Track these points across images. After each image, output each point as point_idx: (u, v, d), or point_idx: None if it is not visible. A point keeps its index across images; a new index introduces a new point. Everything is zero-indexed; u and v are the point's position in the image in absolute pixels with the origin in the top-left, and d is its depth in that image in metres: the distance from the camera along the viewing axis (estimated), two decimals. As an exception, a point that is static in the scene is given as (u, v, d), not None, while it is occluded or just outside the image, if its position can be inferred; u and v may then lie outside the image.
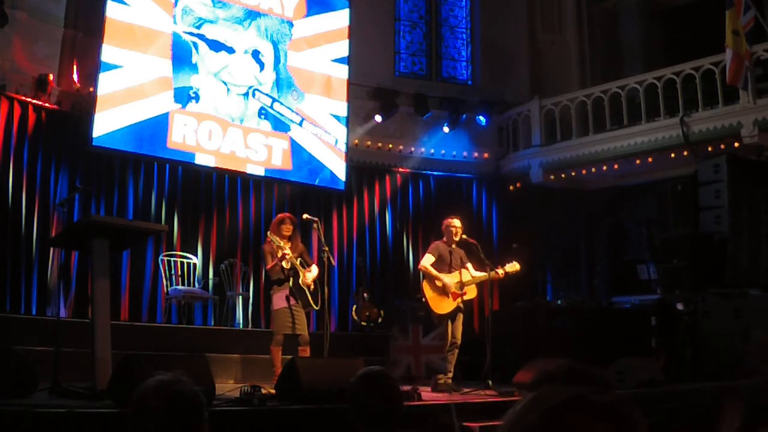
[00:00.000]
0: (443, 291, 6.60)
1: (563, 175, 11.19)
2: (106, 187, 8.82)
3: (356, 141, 10.86)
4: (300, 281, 6.17)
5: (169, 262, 8.58)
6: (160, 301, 8.75)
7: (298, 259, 6.23)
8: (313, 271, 6.33)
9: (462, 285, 6.64)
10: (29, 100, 8.36)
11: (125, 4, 8.59)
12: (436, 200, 11.17)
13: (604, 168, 10.69)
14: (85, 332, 4.88)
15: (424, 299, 6.77)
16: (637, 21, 12.18)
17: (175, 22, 8.97)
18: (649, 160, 10.21)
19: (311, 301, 6.21)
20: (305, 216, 6.69)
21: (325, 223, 9.36)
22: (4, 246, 7.81)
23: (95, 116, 8.23)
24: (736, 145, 9.15)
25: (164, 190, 9.20)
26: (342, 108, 10.21)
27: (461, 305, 6.69)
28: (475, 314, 9.93)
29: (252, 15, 9.64)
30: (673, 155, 9.92)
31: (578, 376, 1.71)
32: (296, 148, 9.72)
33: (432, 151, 11.51)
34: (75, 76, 8.79)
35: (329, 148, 9.99)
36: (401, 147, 11.35)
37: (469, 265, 6.82)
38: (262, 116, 9.52)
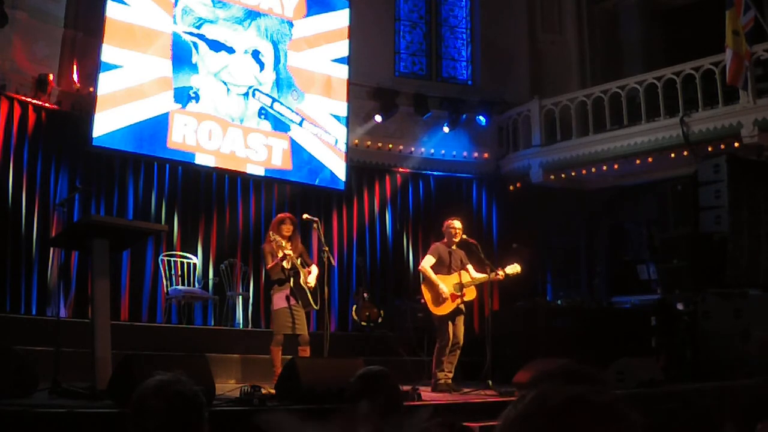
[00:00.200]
0: (441, 294, 6.60)
1: (563, 175, 11.19)
2: (106, 187, 8.82)
3: (356, 141, 10.86)
4: (300, 281, 6.17)
5: (169, 262, 8.58)
6: (160, 301, 8.75)
7: (299, 259, 6.23)
8: (314, 271, 6.34)
9: (461, 286, 6.64)
10: (29, 100, 8.35)
11: (125, 4, 8.59)
12: (436, 200, 11.17)
13: (604, 168, 10.69)
14: (85, 332, 4.88)
15: (423, 300, 6.78)
16: (637, 21, 12.18)
17: (175, 22, 8.97)
18: (649, 160, 10.21)
19: (311, 301, 6.21)
20: (305, 216, 6.69)
21: (325, 223, 9.36)
22: (4, 246, 7.81)
23: (95, 116, 8.23)
24: (736, 145, 9.15)
25: (164, 190, 9.20)
26: (342, 108, 10.21)
27: (462, 307, 6.68)
28: (475, 314, 9.93)
29: (252, 15, 9.64)
30: (673, 155, 9.92)
31: (577, 376, 1.71)
32: (296, 148, 9.72)
33: (432, 151, 11.51)
34: (75, 76, 8.79)
35: (329, 148, 9.99)
36: (401, 147, 11.35)
37: (469, 266, 6.81)
38: (262, 116, 9.52)
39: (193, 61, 9.05)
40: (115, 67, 8.44)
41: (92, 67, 8.53)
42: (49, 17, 8.67)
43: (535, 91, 11.52)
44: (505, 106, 11.69)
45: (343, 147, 10.11)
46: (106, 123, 8.29)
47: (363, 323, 9.37)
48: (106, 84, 8.35)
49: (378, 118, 10.94)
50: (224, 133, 9.15)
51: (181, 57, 8.95)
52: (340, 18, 10.44)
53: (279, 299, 6.17)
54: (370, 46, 11.04)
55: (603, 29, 12.33)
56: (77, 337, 5.47)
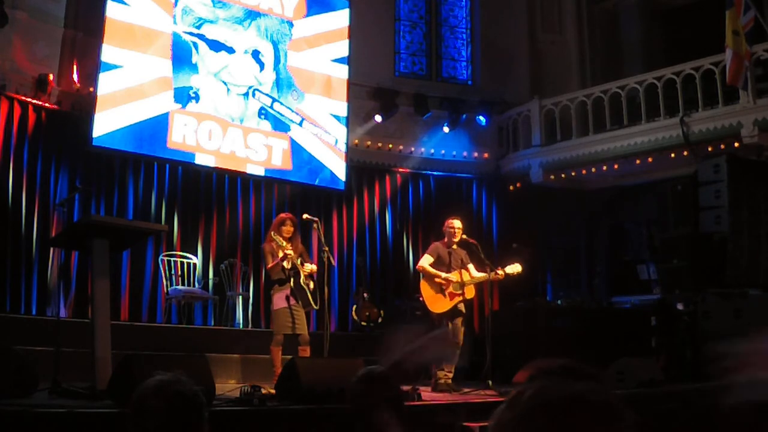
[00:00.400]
0: (440, 290, 6.60)
1: (563, 175, 11.19)
2: (106, 187, 8.82)
3: (356, 141, 10.86)
4: (301, 281, 6.17)
5: (169, 262, 8.58)
6: (160, 301, 8.75)
7: (299, 259, 6.24)
8: (310, 266, 6.34)
9: (461, 285, 6.64)
10: (29, 100, 8.36)
11: (125, 4, 8.59)
12: (436, 200, 11.17)
13: (604, 168, 10.69)
14: (85, 332, 4.88)
15: (421, 299, 6.79)
16: (637, 21, 12.18)
17: (175, 22, 8.97)
18: (649, 160, 10.21)
19: (311, 301, 6.21)
20: (305, 216, 6.69)
21: (325, 223, 9.36)
22: (4, 246, 7.81)
23: (95, 116, 8.23)
24: (736, 145, 9.15)
25: (164, 190, 9.20)
26: (342, 108, 10.21)
27: (461, 307, 6.68)
28: (475, 314, 9.93)
29: (252, 15, 9.64)
30: (673, 155, 9.92)
31: (576, 375, 1.71)
32: (296, 148, 9.72)
33: (432, 151, 11.51)
34: (75, 76, 8.79)
35: (329, 148, 9.99)
36: (401, 147, 11.35)
37: (470, 266, 6.82)
38: (262, 116, 9.52)
39: (193, 61, 9.05)
40: (115, 67, 8.44)
41: (92, 67, 8.53)
42: (49, 17, 8.67)
43: (535, 91, 11.52)
44: (505, 106, 11.69)
45: (343, 147, 10.11)
46: (106, 123, 8.29)
47: (363, 323, 9.37)
48: (106, 84, 8.35)
49: (378, 118, 10.94)
50: (224, 133, 9.15)
51: (181, 57, 8.95)
52: (340, 18, 10.44)
53: (279, 299, 6.18)
54: (370, 46, 11.05)
55: (603, 29, 12.33)
56: (77, 337, 5.47)
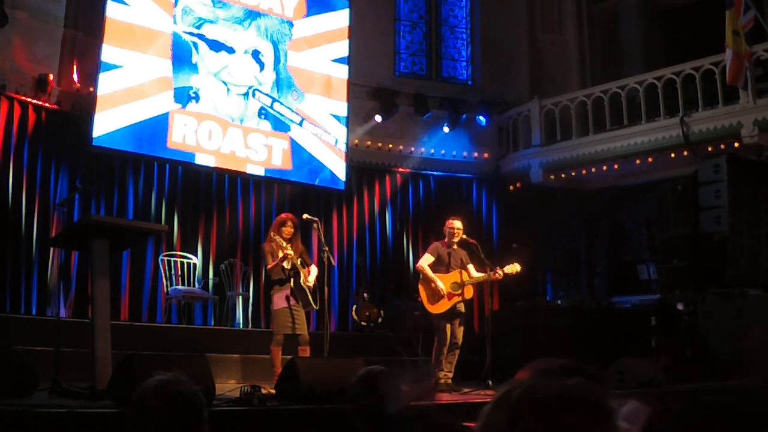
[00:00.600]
0: (437, 291, 6.61)
1: (563, 175, 11.19)
2: (106, 187, 8.82)
3: (356, 141, 10.86)
4: (300, 281, 6.17)
5: (169, 262, 8.58)
6: (160, 301, 8.75)
7: (299, 260, 6.24)
8: (313, 271, 6.35)
9: (459, 285, 6.64)
10: (29, 100, 8.35)
11: (125, 4, 8.59)
12: (436, 200, 11.17)
13: (604, 168, 10.69)
14: (85, 332, 4.88)
15: (419, 299, 6.79)
16: (637, 21, 12.18)
17: (175, 22, 8.97)
18: (649, 160, 10.21)
19: (311, 301, 6.22)
20: (305, 216, 6.70)
21: (325, 223, 9.36)
22: (4, 246, 7.81)
23: (95, 116, 8.23)
24: (736, 145, 9.15)
25: (164, 190, 9.20)
26: (342, 108, 10.21)
27: (461, 307, 6.68)
28: (475, 314, 9.92)
29: (252, 15, 9.64)
30: (673, 155, 9.92)
31: (576, 374, 1.71)
32: (296, 148, 9.72)
33: (432, 151, 11.51)
34: (75, 76, 8.79)
35: (329, 148, 9.99)
36: (401, 147, 11.35)
37: (470, 266, 6.82)
38: (262, 116, 9.52)
39: (193, 61, 9.05)
40: (115, 67, 8.44)
41: (92, 67, 8.53)
42: (49, 17, 8.66)
43: (535, 91, 11.52)
44: (505, 106, 11.69)
45: (343, 147, 10.11)
46: (106, 123, 8.29)
47: (363, 323, 9.37)
48: (106, 84, 8.35)
49: (378, 118, 10.94)
50: (224, 133, 9.15)
51: (181, 57, 8.95)
52: (340, 18, 10.44)
53: (279, 299, 6.18)
54: (370, 46, 11.04)
55: (603, 29, 12.33)
56: (77, 337, 5.47)
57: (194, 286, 8.70)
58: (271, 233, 6.31)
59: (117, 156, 8.73)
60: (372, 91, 11.01)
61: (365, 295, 9.58)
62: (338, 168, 10.05)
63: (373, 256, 10.74)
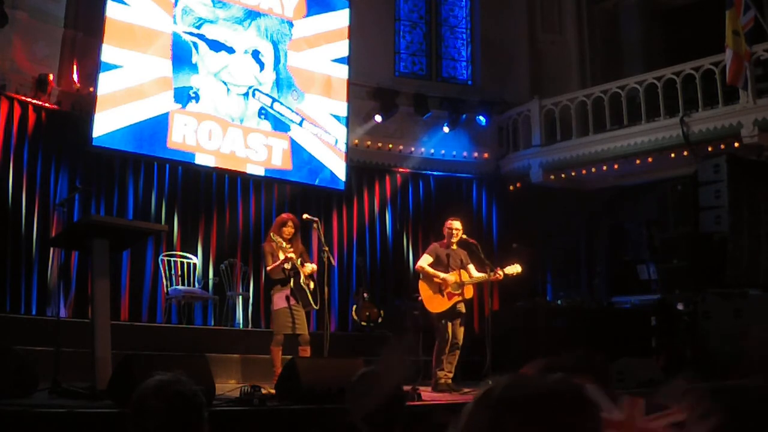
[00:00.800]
0: (439, 290, 6.61)
1: (563, 175, 11.19)
2: (106, 187, 8.82)
3: (356, 141, 10.86)
4: (301, 281, 6.18)
5: (169, 262, 8.58)
6: (160, 301, 8.75)
7: (299, 260, 6.24)
8: (310, 266, 6.35)
9: (459, 285, 6.64)
10: (29, 100, 8.35)
11: (125, 4, 8.59)
12: (436, 200, 11.17)
13: (604, 168, 10.69)
14: (85, 332, 4.88)
15: (420, 298, 6.79)
16: (637, 21, 12.17)
17: (175, 22, 8.97)
18: (649, 160, 10.21)
19: (311, 301, 6.22)
20: (305, 216, 6.70)
21: (325, 223, 9.35)
22: (4, 246, 7.81)
23: (95, 116, 8.23)
24: (736, 145, 9.15)
25: (164, 190, 9.19)
26: (342, 108, 10.20)
27: (461, 307, 6.68)
28: (475, 314, 9.92)
29: (252, 15, 9.64)
30: (673, 155, 9.92)
31: (583, 370, 1.71)
32: (296, 148, 9.72)
33: (432, 151, 11.51)
34: (75, 76, 8.79)
35: (329, 148, 9.99)
36: (401, 147, 11.35)
37: (470, 266, 6.82)
38: (262, 116, 9.52)
39: (193, 61, 9.05)
40: (115, 67, 8.44)
41: (92, 67, 8.53)
42: (49, 17, 8.66)
43: (535, 91, 11.52)
44: (505, 106, 11.69)
45: (343, 147, 10.11)
46: (106, 123, 8.29)
47: (363, 323, 9.37)
48: (106, 84, 8.35)
49: (378, 118, 10.94)
50: (224, 133, 9.15)
51: (181, 57, 8.95)
52: (340, 18, 10.44)
53: (279, 299, 6.18)
54: (370, 46, 11.04)
55: (603, 29, 12.32)
56: (77, 337, 5.47)
57: (194, 286, 8.70)
58: (271, 233, 6.31)
59: (117, 156, 8.73)
60: (372, 91, 11.01)
61: (365, 295, 9.58)
62: (338, 168, 10.05)
63: (373, 256, 10.74)
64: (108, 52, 8.38)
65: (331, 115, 10.10)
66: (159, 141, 8.69)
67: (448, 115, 11.31)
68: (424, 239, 10.19)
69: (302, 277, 6.19)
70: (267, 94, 9.58)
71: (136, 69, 8.57)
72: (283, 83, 9.76)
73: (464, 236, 6.81)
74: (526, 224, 11.01)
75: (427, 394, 5.93)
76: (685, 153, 9.72)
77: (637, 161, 10.32)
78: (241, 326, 8.85)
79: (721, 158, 8.33)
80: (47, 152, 8.43)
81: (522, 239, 9.54)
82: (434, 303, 6.62)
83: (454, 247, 6.81)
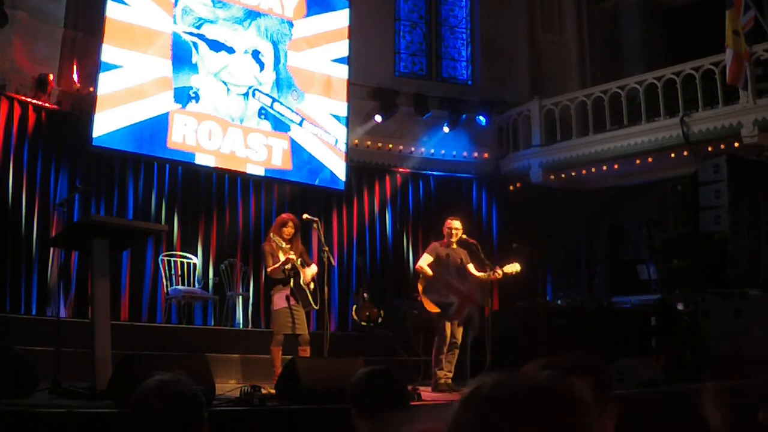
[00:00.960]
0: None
1: (563, 175, 11.19)
2: (106, 187, 8.82)
3: (356, 141, 10.86)
4: (301, 281, 6.18)
5: (169, 262, 8.58)
6: (160, 301, 8.75)
7: (299, 260, 6.24)
8: (312, 268, 6.35)
9: None
10: (29, 100, 8.35)
11: (125, 4, 8.59)
12: (436, 200, 11.17)
13: (604, 168, 10.69)
14: (85, 332, 4.88)
15: (419, 298, 6.81)
16: (637, 21, 12.18)
17: (175, 22, 8.97)
18: (649, 160, 10.21)
19: (311, 301, 6.22)
20: (305, 216, 6.70)
21: (325, 223, 9.35)
22: (4, 246, 7.81)
23: (95, 116, 8.23)
24: (736, 145, 9.15)
25: (164, 190, 9.20)
26: (342, 108, 10.20)
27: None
28: (475, 314, 9.91)
29: (252, 15, 9.64)
30: (673, 155, 9.92)
31: (581, 369, 1.71)
32: (296, 148, 9.72)
33: (432, 151, 11.51)
34: (75, 76, 8.79)
35: (329, 148, 9.99)
36: (401, 147, 11.35)
37: (470, 265, 6.83)
38: (262, 116, 9.52)
39: (193, 61, 9.05)
40: (115, 67, 8.44)
41: (92, 67, 8.53)
42: (49, 17, 8.66)
43: (535, 91, 11.52)
44: (505, 106, 11.69)
45: (343, 147, 10.11)
46: (106, 123, 8.29)
47: (363, 323, 9.37)
48: (106, 84, 8.35)
49: (378, 118, 10.94)
50: (224, 133, 9.15)
51: (181, 57, 8.95)
52: (340, 18, 10.44)
53: (279, 299, 6.18)
54: (370, 46, 11.04)
55: (603, 29, 12.33)
56: (77, 337, 5.47)
57: (194, 286, 8.70)
58: (271, 234, 6.31)
59: (117, 156, 8.73)
60: (372, 91, 11.01)
61: (365, 295, 9.58)
62: (338, 168, 10.05)
63: (373, 256, 10.74)
64: (108, 52, 8.38)
65: (331, 115, 10.10)
66: (159, 141, 8.69)
67: (448, 115, 11.31)
68: (424, 239, 10.19)
69: (302, 277, 6.20)
70: (267, 94, 9.58)
71: (136, 69, 8.57)
72: (283, 83, 9.76)
73: (464, 236, 6.82)
74: (526, 224, 11.02)
75: (427, 394, 5.93)
76: (685, 153, 9.72)
77: (637, 161, 10.32)
78: (241, 326, 8.85)
79: (721, 158, 8.32)
80: (47, 152, 8.43)
81: (522, 239, 9.52)
82: (434, 303, 6.63)
83: (454, 246, 6.82)
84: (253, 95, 9.47)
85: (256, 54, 9.59)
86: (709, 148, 9.44)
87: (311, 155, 9.82)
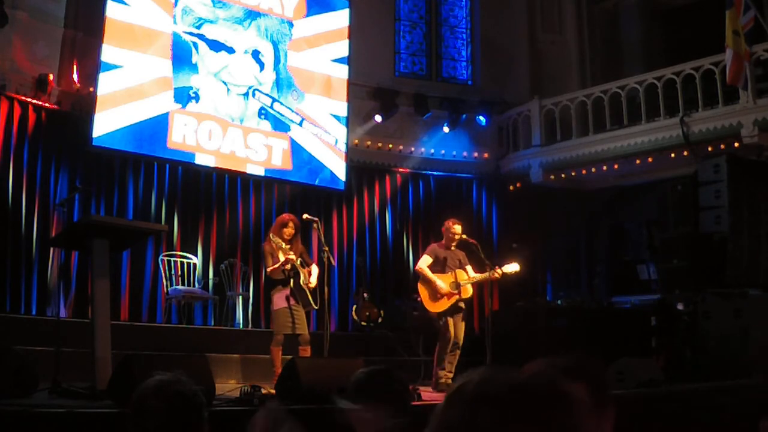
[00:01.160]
0: (438, 290, 6.63)
1: (563, 175, 11.19)
2: (106, 187, 8.82)
3: (356, 141, 10.86)
4: (301, 282, 6.18)
5: (169, 262, 8.58)
6: (160, 301, 8.75)
7: (299, 260, 6.24)
8: (314, 271, 6.35)
9: (457, 284, 6.67)
10: (29, 100, 8.35)
11: (125, 4, 8.59)
12: (436, 200, 11.17)
13: (604, 168, 10.69)
14: (85, 332, 4.88)
15: (419, 299, 6.82)
16: (637, 21, 12.18)
17: (175, 22, 8.97)
18: (649, 160, 10.21)
19: (311, 301, 6.22)
20: (305, 216, 6.70)
21: (325, 223, 9.35)
22: (4, 246, 7.81)
23: (95, 116, 8.23)
24: (736, 145, 9.15)
25: (164, 190, 9.20)
26: (342, 108, 10.20)
27: (461, 305, 6.70)
28: (475, 314, 9.93)
29: (252, 15, 9.64)
30: (673, 155, 9.92)
31: (576, 373, 1.70)
32: (296, 148, 9.72)
33: (432, 151, 11.51)
34: (75, 76, 8.79)
35: (329, 148, 9.98)
36: (401, 147, 11.35)
37: (468, 267, 6.84)
38: (262, 116, 9.52)
39: (193, 61, 9.05)
40: (115, 67, 8.44)
41: (92, 67, 8.53)
42: (49, 17, 8.66)
43: (535, 91, 11.52)
44: (505, 106, 11.69)
45: (343, 147, 10.11)
46: (106, 123, 8.29)
47: (363, 323, 9.36)
48: (106, 84, 8.35)
49: (378, 118, 10.94)
50: (224, 133, 9.15)
51: (181, 57, 8.95)
52: (340, 18, 10.44)
53: (279, 299, 6.18)
54: (370, 46, 11.04)
55: (603, 29, 12.33)
56: (77, 337, 5.48)
57: (194, 286, 8.70)
58: (271, 234, 6.30)
59: (117, 156, 8.73)
60: (372, 91, 11.01)
61: (365, 295, 9.58)
62: (338, 168, 10.05)
63: (373, 256, 10.74)
64: (108, 52, 8.38)
65: (331, 115, 10.10)
66: (159, 141, 8.69)
67: (448, 115, 11.31)
68: (424, 239, 10.19)
69: (302, 277, 6.20)
70: (267, 94, 9.58)
71: (136, 69, 8.57)
72: (283, 83, 9.76)
73: (464, 236, 6.83)
74: (526, 224, 11.02)
75: (427, 394, 5.92)
76: (685, 153, 9.72)
77: (637, 161, 10.32)
78: (241, 326, 8.85)
79: (721, 158, 8.31)
80: (47, 152, 8.43)
81: (522, 239, 9.54)
82: (434, 303, 6.65)
83: (453, 247, 6.84)
84: (253, 95, 9.47)
85: (256, 54, 9.59)
86: (709, 148, 9.44)
87: (311, 155, 9.82)
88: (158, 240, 8.78)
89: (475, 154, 11.72)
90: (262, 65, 9.61)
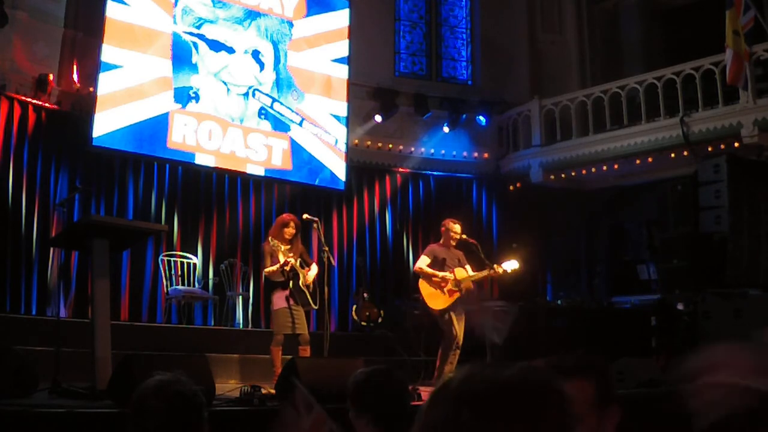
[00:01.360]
0: (438, 287, 6.64)
1: (563, 175, 11.19)
2: (106, 187, 8.82)
3: (356, 141, 10.86)
4: (300, 282, 6.18)
5: (169, 262, 8.58)
6: (160, 301, 8.75)
7: (298, 260, 6.24)
8: (313, 269, 6.35)
9: (457, 283, 6.68)
10: (29, 100, 8.35)
11: (125, 4, 8.59)
12: (436, 200, 11.17)
13: (604, 168, 10.69)
14: (85, 332, 4.88)
15: (420, 297, 6.82)
16: (637, 21, 12.17)
17: (175, 22, 8.97)
18: (649, 160, 10.21)
19: (310, 301, 6.22)
20: (305, 216, 6.70)
21: (325, 223, 9.35)
22: (4, 246, 7.81)
23: (95, 116, 8.23)
24: (736, 145, 9.16)
25: (164, 190, 9.20)
26: (342, 108, 10.20)
27: (461, 303, 6.72)
28: (475, 314, 9.92)
29: (252, 15, 9.64)
30: (673, 155, 9.92)
31: (584, 370, 1.70)
32: (296, 148, 9.72)
33: (432, 151, 11.51)
34: (75, 76, 8.79)
35: (329, 148, 9.98)
36: (401, 147, 11.35)
37: (467, 266, 6.86)
38: (262, 116, 9.52)
39: (193, 61, 9.05)
40: (115, 67, 8.44)
41: (92, 67, 8.53)
42: (49, 17, 8.66)
43: (535, 91, 11.52)
44: (505, 106, 11.69)
45: (343, 147, 10.11)
46: (106, 123, 8.29)
47: (363, 323, 9.37)
48: (106, 84, 8.35)
49: (378, 118, 10.94)
50: (224, 133, 9.15)
51: (181, 57, 8.95)
52: (340, 18, 10.44)
53: (279, 299, 6.18)
54: (370, 46, 11.04)
55: (603, 29, 12.33)
56: (77, 337, 5.48)
57: (194, 286, 8.70)
58: (270, 236, 6.29)
59: (117, 156, 8.73)
60: (372, 91, 11.01)
61: (365, 295, 9.58)
62: (338, 168, 10.05)
63: (373, 256, 10.74)
64: (108, 52, 8.38)
65: (331, 115, 10.10)
66: (159, 141, 8.69)
67: (448, 115, 11.31)
68: (424, 239, 10.19)
69: (301, 278, 6.20)
70: (267, 94, 9.58)
71: (136, 69, 8.57)
72: (283, 83, 9.76)
73: (464, 236, 6.84)
74: (526, 224, 11.02)
75: (428, 394, 5.92)
76: (685, 153, 9.72)
77: (637, 161, 10.32)
78: (241, 326, 8.85)
79: (721, 158, 8.31)
80: (47, 152, 8.43)
81: (522, 239, 9.54)
82: (435, 300, 6.66)
83: (452, 247, 6.85)
84: (253, 95, 9.47)
85: (256, 54, 9.59)
86: (709, 148, 9.44)
87: (311, 155, 9.82)
88: (158, 240, 8.78)
89: (475, 154, 11.72)
90: (262, 65, 9.61)
